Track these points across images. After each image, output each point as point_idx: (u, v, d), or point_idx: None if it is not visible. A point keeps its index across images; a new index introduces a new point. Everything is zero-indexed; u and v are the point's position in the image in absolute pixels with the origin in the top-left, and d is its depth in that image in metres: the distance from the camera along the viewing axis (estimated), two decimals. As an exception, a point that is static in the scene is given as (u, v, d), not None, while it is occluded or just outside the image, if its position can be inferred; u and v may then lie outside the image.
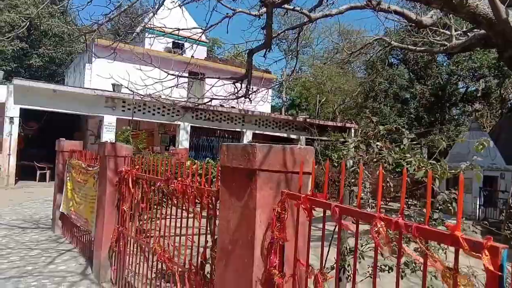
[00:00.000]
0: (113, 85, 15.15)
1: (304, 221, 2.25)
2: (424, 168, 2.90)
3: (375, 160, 3.09)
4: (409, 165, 2.97)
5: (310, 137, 17.79)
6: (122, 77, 7.56)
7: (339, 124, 19.12)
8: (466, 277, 1.30)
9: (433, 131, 25.52)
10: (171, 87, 7.30)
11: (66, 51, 29.24)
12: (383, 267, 3.12)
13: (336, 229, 1.95)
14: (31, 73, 27.97)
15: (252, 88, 8.63)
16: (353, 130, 19.31)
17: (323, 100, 27.52)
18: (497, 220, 9.44)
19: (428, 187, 1.67)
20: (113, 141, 8.07)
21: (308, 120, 18.48)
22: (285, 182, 2.41)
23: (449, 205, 2.86)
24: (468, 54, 24.00)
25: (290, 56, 19.45)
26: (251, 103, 9.16)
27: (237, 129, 17.63)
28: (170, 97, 9.13)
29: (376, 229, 1.60)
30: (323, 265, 1.88)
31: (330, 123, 18.76)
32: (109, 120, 15.15)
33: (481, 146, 3.28)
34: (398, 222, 1.52)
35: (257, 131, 17.63)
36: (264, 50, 7.09)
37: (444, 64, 26.29)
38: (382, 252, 1.66)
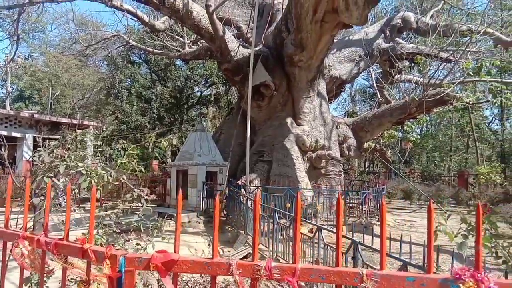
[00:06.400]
0: None
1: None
2: (91, 178, 2.90)
3: (46, 169, 2.87)
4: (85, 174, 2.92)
5: (39, 135, 15.66)
6: None
7: (75, 121, 17.68)
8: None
9: (172, 131, 27.38)
10: None
11: None
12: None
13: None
14: None
15: None
16: (91, 128, 18.29)
17: (57, 93, 24.83)
18: (216, 209, 10.94)
19: (92, 199, 1.61)
20: None
21: (36, 115, 16.19)
22: None
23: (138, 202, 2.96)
24: (201, 62, 26.99)
25: (15, 39, 16.54)
26: None
27: None
28: None
29: (18, 250, 1.43)
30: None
31: (64, 120, 17.05)
32: None
33: (167, 144, 3.61)
34: (39, 240, 1.40)
35: (-37, 127, 14.07)
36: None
37: (183, 68, 28.61)
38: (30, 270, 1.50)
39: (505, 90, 16.28)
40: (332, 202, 11.55)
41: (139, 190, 3.02)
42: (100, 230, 2.87)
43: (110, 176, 2.93)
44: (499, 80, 15.66)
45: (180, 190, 1.29)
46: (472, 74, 11.53)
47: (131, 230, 2.91)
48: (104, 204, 3.23)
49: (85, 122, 18.35)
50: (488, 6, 16.17)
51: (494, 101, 15.88)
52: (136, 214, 2.90)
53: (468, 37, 11.61)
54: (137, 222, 3.03)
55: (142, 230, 2.79)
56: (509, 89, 18.43)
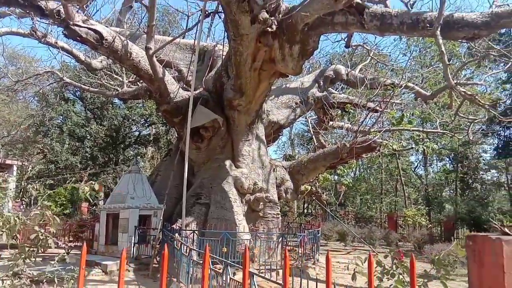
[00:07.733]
0: None
1: None
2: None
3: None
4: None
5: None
6: None
7: (-3, 160, 16.29)
8: None
9: (106, 171, 26.12)
10: None
11: None
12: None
13: None
14: None
15: None
16: (15, 168, 16.93)
17: (-23, 130, 22.87)
18: (149, 256, 10.41)
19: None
20: None
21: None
22: None
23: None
24: (141, 101, 26.56)
25: None
26: None
27: None
28: None
29: None
30: None
31: (-17, 158, 15.64)
32: None
33: (88, 189, 3.45)
34: None
35: None
36: None
37: (120, 107, 27.90)
38: None
39: (426, 138, 17.84)
40: (269, 245, 11.52)
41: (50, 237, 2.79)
42: (7, 281, 2.59)
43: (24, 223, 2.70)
44: (421, 129, 17.22)
45: (84, 246, 1.26)
46: (395, 123, 12.55)
47: (44, 281, 2.65)
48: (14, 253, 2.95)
49: (8, 161, 16.95)
50: (409, 63, 18.03)
51: (417, 148, 17.35)
52: (50, 263, 2.65)
53: (392, 90, 12.74)
54: (51, 273, 2.77)
55: (56, 282, 2.54)
56: (430, 138, 20.27)
